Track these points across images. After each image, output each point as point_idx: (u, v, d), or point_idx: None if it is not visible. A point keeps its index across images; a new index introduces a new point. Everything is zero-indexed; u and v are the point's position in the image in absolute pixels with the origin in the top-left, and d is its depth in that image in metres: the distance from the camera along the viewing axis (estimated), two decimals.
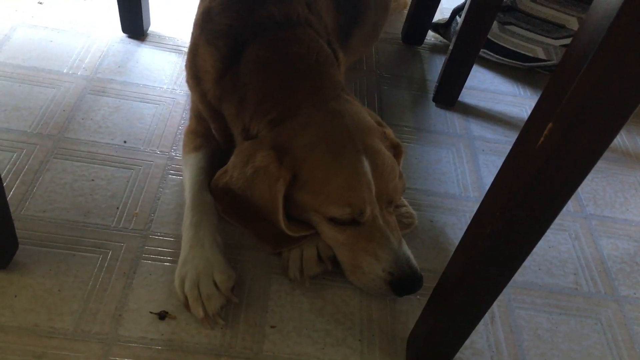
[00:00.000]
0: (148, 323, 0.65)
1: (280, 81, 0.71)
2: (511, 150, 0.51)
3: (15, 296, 0.65)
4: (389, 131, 0.75)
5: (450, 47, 1.00)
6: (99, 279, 0.68)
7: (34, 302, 0.65)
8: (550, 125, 0.44)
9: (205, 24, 0.77)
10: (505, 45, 1.10)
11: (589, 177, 0.94)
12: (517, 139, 0.50)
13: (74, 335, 0.63)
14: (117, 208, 0.77)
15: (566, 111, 0.43)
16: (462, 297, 0.58)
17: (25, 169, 0.78)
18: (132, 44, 1.04)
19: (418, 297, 0.73)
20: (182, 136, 0.85)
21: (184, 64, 0.82)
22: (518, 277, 0.79)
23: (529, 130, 0.48)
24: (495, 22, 1.08)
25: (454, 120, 1.03)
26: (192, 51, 0.78)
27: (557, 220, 0.83)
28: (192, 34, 0.80)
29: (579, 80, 0.41)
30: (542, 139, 0.44)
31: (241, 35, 0.74)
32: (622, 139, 1.06)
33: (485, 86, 1.11)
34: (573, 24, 1.04)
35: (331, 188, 0.66)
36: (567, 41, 1.05)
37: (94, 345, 0.62)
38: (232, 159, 0.72)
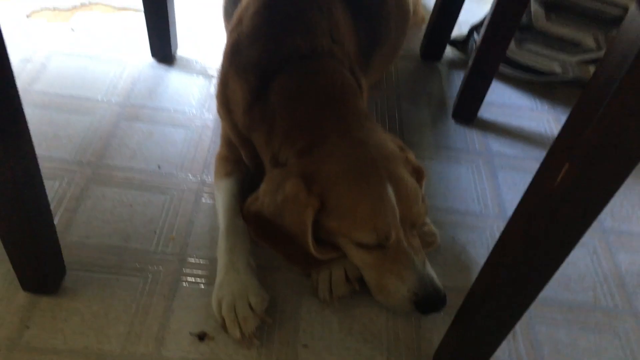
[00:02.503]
0: (188, 344, 0.70)
1: (307, 112, 0.75)
2: (530, 185, 0.54)
3: (65, 320, 0.70)
4: (411, 155, 0.79)
5: (470, 64, 1.03)
6: (142, 302, 0.73)
7: (83, 325, 0.70)
8: (567, 165, 0.47)
9: (234, 56, 0.81)
10: (522, 61, 1.13)
11: None
12: (536, 176, 0.53)
13: (121, 356, 0.67)
14: (155, 232, 0.81)
15: (582, 153, 0.46)
16: (486, 316, 0.62)
17: (67, 196, 0.83)
18: (161, 68, 1.08)
19: (442, 315, 0.76)
20: (213, 161, 0.90)
21: (215, 93, 0.86)
22: None
23: (547, 168, 0.51)
24: (513, 41, 1.10)
25: (473, 137, 1.06)
26: (222, 83, 0.83)
27: None
28: (222, 65, 0.84)
29: (595, 123, 0.44)
30: (559, 179, 0.48)
31: (269, 68, 0.78)
32: None
33: (503, 101, 1.14)
34: (589, 41, 1.07)
35: (358, 215, 0.70)
36: (584, 57, 1.08)
37: None
38: (263, 186, 0.76)
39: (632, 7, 0.42)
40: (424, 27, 1.26)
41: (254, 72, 0.78)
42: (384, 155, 0.74)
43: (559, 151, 0.50)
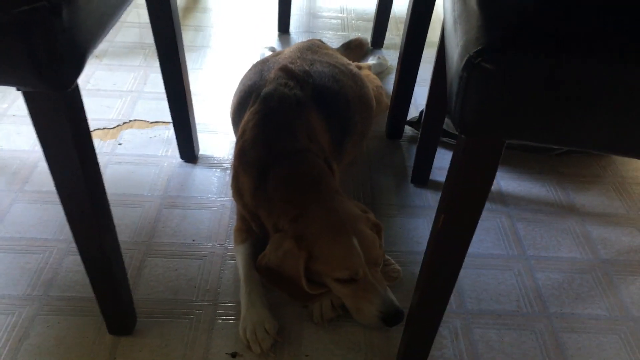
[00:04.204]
0: None
1: (294, 192, 1.08)
2: (431, 231, 0.86)
3: (140, 351, 1.01)
4: (371, 215, 1.11)
5: (418, 140, 1.37)
6: (190, 336, 1.04)
7: (152, 355, 1.01)
8: (443, 216, 0.79)
9: (241, 158, 1.16)
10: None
11: (531, 227, 1.29)
12: (433, 223, 0.85)
13: None
14: (195, 287, 1.13)
15: (448, 208, 0.78)
16: (420, 322, 0.92)
17: (131, 267, 1.16)
18: (188, 166, 1.43)
19: (402, 326, 1.06)
20: (232, 232, 1.23)
21: (230, 184, 1.20)
22: (475, 306, 1.12)
23: (436, 216, 0.83)
24: (448, 120, 1.45)
25: (427, 195, 1.39)
26: (235, 177, 1.17)
27: (505, 263, 1.19)
28: (233, 164, 1.18)
29: (451, 193, 0.77)
30: (440, 224, 0.80)
31: (266, 164, 1.12)
32: (558, 195, 1.40)
33: (448, 165, 1.47)
34: None
35: (335, 259, 1.02)
36: None
37: None
38: (269, 246, 1.08)
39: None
40: (387, 112, 1.61)
41: (255, 168, 1.12)
42: (350, 217, 1.06)
43: (440, 208, 0.82)
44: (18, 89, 0.72)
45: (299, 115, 1.20)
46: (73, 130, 0.76)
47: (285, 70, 1.28)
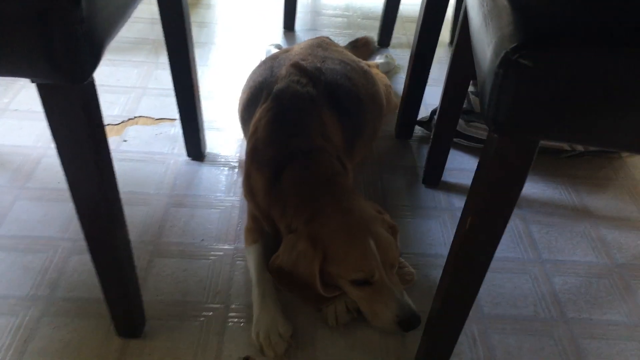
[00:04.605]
0: None
1: (308, 192, 1.05)
2: (455, 233, 0.83)
3: (150, 354, 0.98)
4: (387, 216, 1.08)
5: (431, 141, 1.34)
6: (201, 339, 1.01)
7: (162, 358, 0.98)
8: (470, 218, 0.77)
9: (254, 156, 1.13)
10: (471, 134, 1.45)
11: (545, 229, 1.27)
12: (458, 225, 0.83)
13: None
14: (204, 288, 1.10)
15: (477, 210, 0.76)
16: (442, 328, 0.90)
17: (139, 267, 1.13)
18: (195, 164, 1.40)
19: (419, 330, 1.04)
20: (243, 232, 1.20)
21: (241, 183, 1.17)
22: (492, 310, 1.10)
23: (462, 219, 0.81)
24: (461, 121, 1.42)
25: (439, 197, 1.36)
26: (247, 175, 1.14)
27: (520, 266, 1.17)
28: (245, 163, 1.15)
29: (480, 194, 0.74)
30: (467, 226, 0.77)
31: (279, 163, 1.09)
32: (572, 198, 1.38)
33: (460, 166, 1.45)
34: None
35: (350, 261, 0.99)
36: None
37: None
38: (282, 247, 1.05)
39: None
40: (397, 112, 1.58)
41: (269, 167, 1.09)
42: (366, 218, 1.03)
43: (466, 209, 0.79)
44: (33, 81, 0.68)
45: (313, 113, 1.17)
46: (89, 125, 0.73)
47: (297, 67, 1.25)
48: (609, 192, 1.41)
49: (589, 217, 1.33)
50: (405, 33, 2.08)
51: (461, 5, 1.91)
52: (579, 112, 0.64)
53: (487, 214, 0.76)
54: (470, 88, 1.46)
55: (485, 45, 0.72)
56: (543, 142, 0.73)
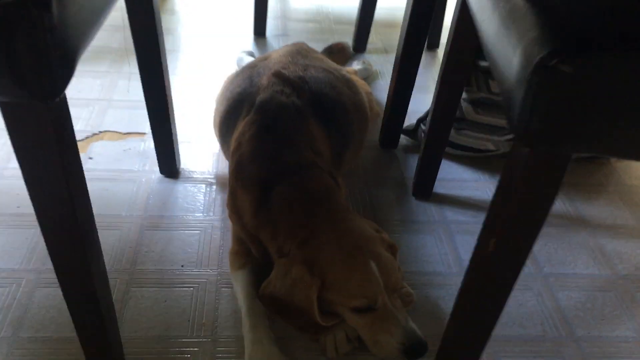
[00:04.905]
0: None
1: (302, 213, 0.97)
2: (473, 252, 0.76)
3: None
4: (385, 235, 1.01)
5: (422, 150, 1.27)
6: None
7: None
8: (493, 240, 0.70)
9: (238, 174, 1.03)
10: (462, 143, 1.39)
11: (543, 241, 1.21)
12: (476, 245, 0.75)
13: None
14: (188, 321, 1.00)
15: (501, 232, 0.69)
16: (458, 357, 0.82)
17: (115, 299, 1.02)
18: (169, 182, 1.30)
19: (426, 358, 0.96)
20: (227, 255, 1.10)
21: (226, 203, 1.07)
22: (499, 332, 1.03)
23: (482, 240, 0.73)
24: (452, 129, 1.36)
25: (431, 209, 1.29)
26: (232, 194, 1.04)
27: (523, 282, 1.11)
28: (230, 181, 1.06)
29: (505, 214, 0.67)
30: (490, 248, 0.70)
31: (267, 182, 1.00)
32: (566, 207, 1.33)
33: (452, 176, 1.39)
34: None
35: (351, 287, 0.91)
36: (509, 136, 1.34)
37: None
38: (274, 273, 0.96)
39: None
40: (379, 120, 1.51)
41: (256, 185, 1.00)
42: (365, 239, 0.95)
43: (488, 229, 0.72)
44: None
45: (300, 125, 1.08)
46: (60, 147, 0.63)
47: (280, 76, 1.17)
48: (602, 199, 1.37)
49: (586, 226, 1.28)
50: (380, 38, 2.02)
51: (443, 7, 1.87)
52: (622, 122, 0.58)
53: (514, 235, 0.69)
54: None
55: (509, 50, 0.65)
56: None
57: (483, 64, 1.32)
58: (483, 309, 0.76)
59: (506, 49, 0.66)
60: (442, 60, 1.14)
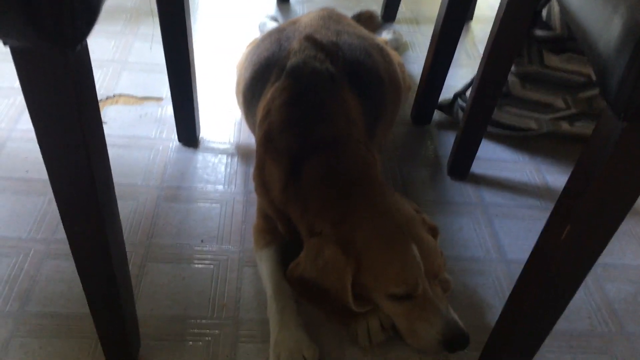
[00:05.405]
0: None
1: (336, 189, 0.88)
2: (539, 240, 0.68)
3: None
4: (426, 216, 0.92)
5: (462, 127, 1.18)
6: None
7: None
8: (568, 227, 0.61)
9: (267, 144, 0.95)
10: (503, 121, 1.29)
11: None
12: (543, 233, 0.67)
13: None
14: (209, 300, 0.93)
15: (578, 218, 0.60)
16: (511, 351, 0.75)
17: (131, 275, 0.94)
18: (188, 151, 1.21)
19: (466, 351, 0.89)
20: (250, 231, 1.02)
21: (252, 175, 0.99)
22: None
23: (552, 227, 0.65)
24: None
25: (468, 190, 1.21)
26: (259, 166, 0.96)
27: None
28: (257, 151, 0.97)
29: (587, 195, 0.59)
30: (563, 237, 0.62)
31: (299, 154, 0.91)
32: None
33: (490, 156, 1.30)
34: (559, 103, 1.24)
35: (390, 272, 0.83)
36: (555, 115, 1.25)
37: None
38: (304, 253, 0.88)
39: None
40: (410, 94, 1.42)
41: (287, 157, 0.92)
42: (406, 219, 0.87)
43: (560, 214, 0.64)
44: (5, 43, 0.49)
45: (335, 94, 0.99)
46: (79, 103, 0.55)
47: (312, 41, 1.07)
48: None
49: (634, 213, 1.19)
50: (409, 7, 1.91)
51: None
52: None
53: (595, 222, 0.60)
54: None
55: (606, 13, 0.56)
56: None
57: (540, 33, 1.22)
58: (546, 304, 0.68)
59: (601, 12, 0.57)
60: (492, 28, 1.04)
